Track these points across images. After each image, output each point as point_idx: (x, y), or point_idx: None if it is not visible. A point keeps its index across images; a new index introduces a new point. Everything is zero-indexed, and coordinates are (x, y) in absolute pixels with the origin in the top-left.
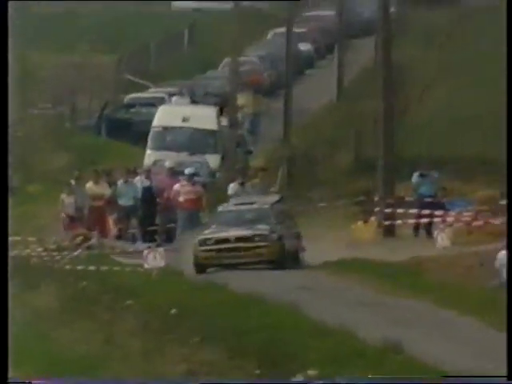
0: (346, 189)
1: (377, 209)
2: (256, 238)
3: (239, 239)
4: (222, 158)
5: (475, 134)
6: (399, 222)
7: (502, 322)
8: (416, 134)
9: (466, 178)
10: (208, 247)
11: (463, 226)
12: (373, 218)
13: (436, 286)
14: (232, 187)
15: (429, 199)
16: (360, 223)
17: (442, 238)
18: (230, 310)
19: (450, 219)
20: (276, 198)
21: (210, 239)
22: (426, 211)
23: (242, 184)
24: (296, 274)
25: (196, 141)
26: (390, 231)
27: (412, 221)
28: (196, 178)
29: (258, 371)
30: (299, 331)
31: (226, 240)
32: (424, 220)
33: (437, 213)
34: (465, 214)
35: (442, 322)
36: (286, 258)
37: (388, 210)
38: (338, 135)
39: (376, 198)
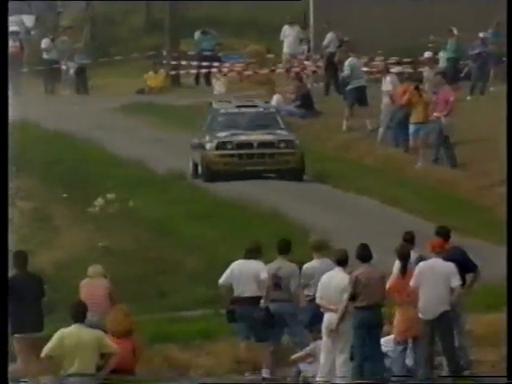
0: (139, 45)
1: (164, 61)
2: (281, 144)
3: (262, 144)
4: (37, 19)
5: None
6: (183, 72)
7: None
8: None
9: (239, 35)
10: (227, 151)
11: (236, 76)
12: (162, 70)
13: None
14: (44, 42)
15: (208, 53)
16: (151, 73)
17: (218, 86)
18: (41, 144)
19: (225, 70)
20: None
21: (229, 143)
22: (206, 63)
23: (52, 40)
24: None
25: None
26: (175, 80)
27: (194, 71)
28: (15, 36)
29: (65, 195)
30: (99, 162)
31: (248, 145)
32: (204, 70)
33: (214, 64)
34: (237, 65)
35: None
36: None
37: (174, 63)
38: (133, 1)
39: (164, 53)
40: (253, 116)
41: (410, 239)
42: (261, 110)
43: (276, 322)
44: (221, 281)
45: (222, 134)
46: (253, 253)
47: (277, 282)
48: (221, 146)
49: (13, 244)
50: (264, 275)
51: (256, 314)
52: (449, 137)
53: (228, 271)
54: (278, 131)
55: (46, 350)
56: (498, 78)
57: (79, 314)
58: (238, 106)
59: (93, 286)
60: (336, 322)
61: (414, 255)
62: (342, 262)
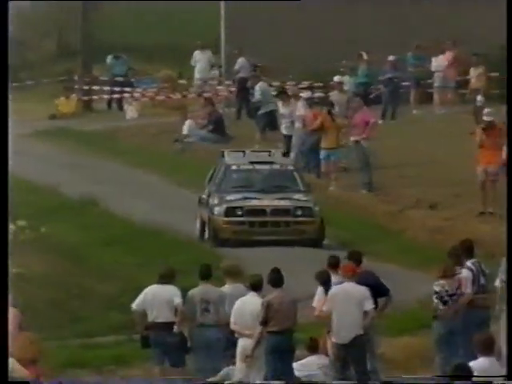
0: (51, 70)
1: (76, 86)
2: (298, 212)
3: (276, 211)
4: None
5: (164, 26)
6: (96, 97)
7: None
8: (110, 23)
9: (151, 60)
10: (237, 219)
11: (148, 101)
12: (73, 95)
13: (130, 149)
14: None
15: (120, 78)
16: (62, 99)
17: (130, 111)
18: None
19: (137, 95)
20: (284, 157)
21: (240, 208)
22: (118, 88)
23: None
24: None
25: None
26: (88, 105)
27: (106, 97)
28: None
29: None
30: (11, 189)
31: (261, 211)
32: (116, 96)
33: (126, 89)
34: (149, 90)
35: (133, 180)
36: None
37: (86, 88)
38: (45, 26)
39: (76, 77)
40: (268, 174)
41: (334, 263)
42: (277, 167)
43: (203, 346)
44: (134, 306)
45: (231, 198)
46: (166, 278)
47: (206, 307)
48: (230, 212)
49: None
50: (177, 300)
51: (170, 339)
52: (369, 161)
53: (141, 296)
54: (295, 195)
55: None
56: (417, 101)
57: None
58: (252, 163)
59: None
60: (251, 348)
61: (338, 279)
62: (256, 286)
